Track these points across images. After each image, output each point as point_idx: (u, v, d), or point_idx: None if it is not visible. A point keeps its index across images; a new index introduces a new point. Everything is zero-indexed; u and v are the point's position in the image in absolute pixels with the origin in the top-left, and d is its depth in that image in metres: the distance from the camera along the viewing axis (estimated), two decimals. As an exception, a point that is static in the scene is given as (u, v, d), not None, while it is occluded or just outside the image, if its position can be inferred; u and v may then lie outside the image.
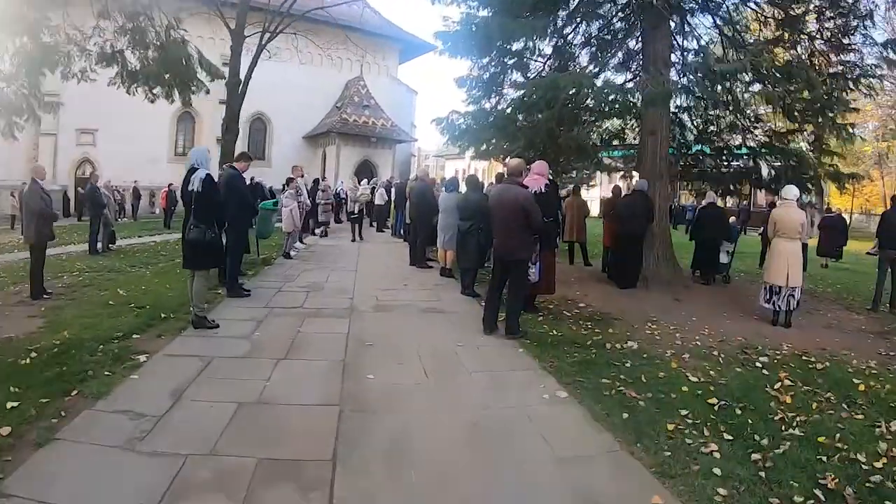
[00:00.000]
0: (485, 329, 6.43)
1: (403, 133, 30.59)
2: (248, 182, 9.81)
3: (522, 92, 9.96)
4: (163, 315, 6.67)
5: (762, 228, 15.35)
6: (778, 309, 7.74)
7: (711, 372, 5.40)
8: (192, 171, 6.32)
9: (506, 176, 6.73)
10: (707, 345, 6.44)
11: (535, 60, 11.15)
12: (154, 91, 10.17)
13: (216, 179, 6.50)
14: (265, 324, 6.60)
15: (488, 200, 6.38)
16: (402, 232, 15.83)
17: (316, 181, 16.68)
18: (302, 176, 13.19)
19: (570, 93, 8.85)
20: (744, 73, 9.69)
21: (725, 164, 12.84)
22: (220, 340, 5.91)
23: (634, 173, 12.96)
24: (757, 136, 12.23)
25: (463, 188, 10.04)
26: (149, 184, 27.11)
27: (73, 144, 28.11)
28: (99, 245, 13.78)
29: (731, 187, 12.58)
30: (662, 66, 10.07)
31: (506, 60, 11.31)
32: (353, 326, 6.55)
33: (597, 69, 11.76)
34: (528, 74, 11.66)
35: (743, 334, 7.00)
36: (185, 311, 6.65)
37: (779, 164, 11.62)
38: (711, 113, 13.06)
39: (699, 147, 13.05)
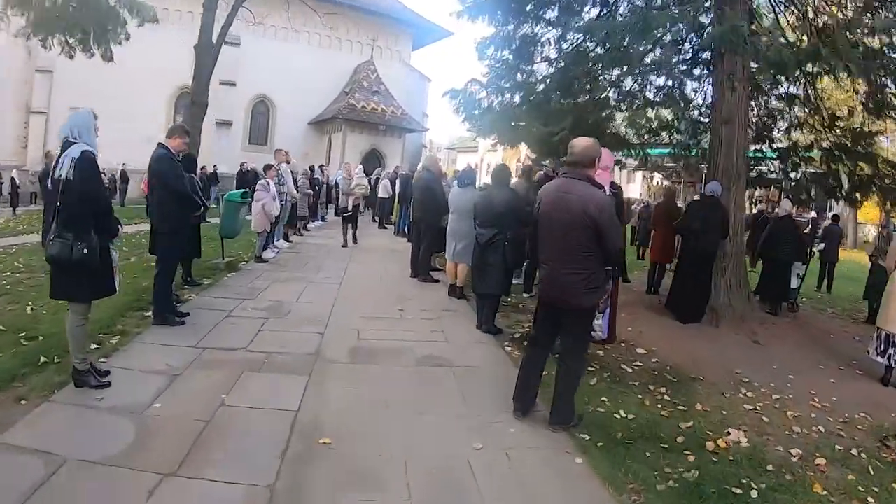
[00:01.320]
0: (516, 407, 3.96)
1: (414, 122, 28.01)
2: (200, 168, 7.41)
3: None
4: (44, 359, 4.28)
5: (821, 244, 13.12)
6: (893, 365, 5.63)
7: (869, 498, 3.29)
8: (66, 146, 3.91)
9: (564, 167, 4.09)
10: (832, 430, 4.38)
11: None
12: (70, 42, 7.64)
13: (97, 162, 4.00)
14: (179, 383, 4.15)
15: (537, 204, 3.83)
16: (405, 230, 13.36)
17: (311, 169, 14.21)
18: (288, 162, 10.71)
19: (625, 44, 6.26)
20: (821, 59, 7.21)
21: (792, 168, 10.27)
22: (96, 418, 3.52)
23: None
24: (823, 136, 9.71)
25: (481, 183, 7.51)
26: (143, 166, 24.71)
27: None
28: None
29: (809, 195, 10.00)
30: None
31: (537, 31, 8.80)
32: (310, 398, 4.06)
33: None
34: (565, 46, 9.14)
35: (860, 404, 4.98)
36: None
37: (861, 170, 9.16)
38: (774, 106, 10.58)
39: (756, 147, 10.53)
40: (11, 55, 25.41)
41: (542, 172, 7.60)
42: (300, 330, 5.62)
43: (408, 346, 5.34)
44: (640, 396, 4.60)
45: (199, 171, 19.44)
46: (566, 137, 7.25)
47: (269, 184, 8.95)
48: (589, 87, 9.14)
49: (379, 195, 15.84)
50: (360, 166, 11.33)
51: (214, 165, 22.58)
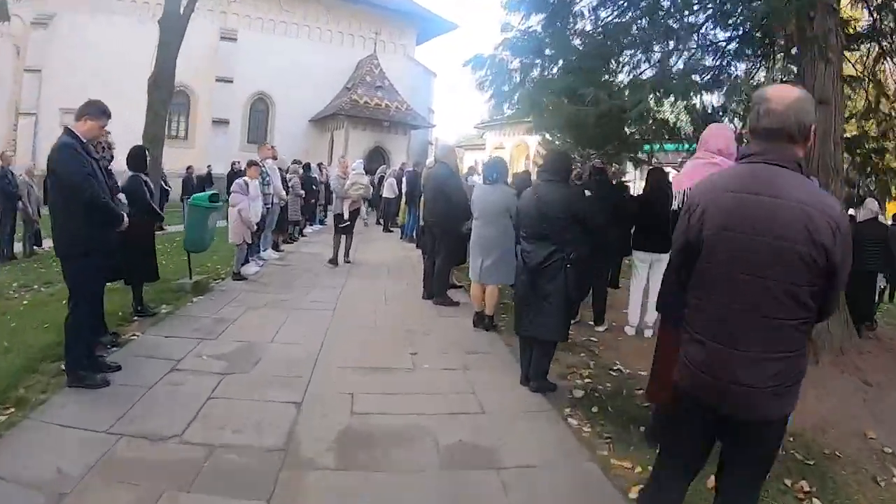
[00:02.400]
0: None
1: (420, 118, 26.06)
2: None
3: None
4: None
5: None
6: None
7: None
8: None
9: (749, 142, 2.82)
10: None
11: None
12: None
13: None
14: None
15: (691, 214, 1.90)
16: (414, 235, 11.48)
17: (307, 166, 12.35)
18: (274, 157, 8.83)
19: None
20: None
21: (862, 161, 8.33)
22: None
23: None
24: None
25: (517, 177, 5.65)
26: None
27: (56, 125, 23.83)
28: (19, 247, 10.12)
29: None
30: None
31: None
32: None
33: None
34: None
35: None
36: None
37: None
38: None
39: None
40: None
41: (592, 165, 5.70)
42: (268, 397, 3.74)
43: (426, 424, 3.45)
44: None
45: (187, 171, 17.81)
46: (605, 123, 5.42)
47: (246, 185, 7.07)
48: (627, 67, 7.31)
49: (384, 195, 13.96)
50: (360, 161, 8.98)
51: (209, 166, 20.76)
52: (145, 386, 3.83)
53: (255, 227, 7.25)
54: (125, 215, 3.98)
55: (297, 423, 3.37)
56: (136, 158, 5.73)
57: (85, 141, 3.82)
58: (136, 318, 5.50)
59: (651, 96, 4.65)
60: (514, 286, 4.20)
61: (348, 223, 8.30)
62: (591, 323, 6.00)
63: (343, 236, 8.60)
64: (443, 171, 6.27)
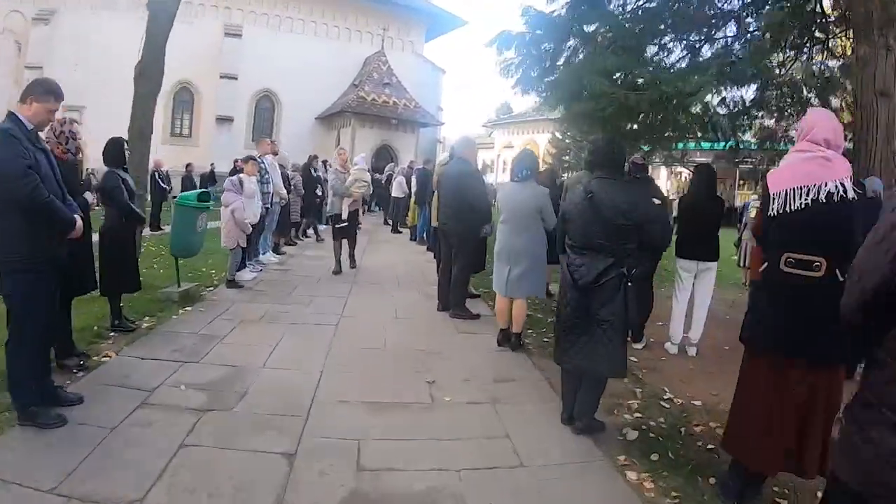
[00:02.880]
0: None
1: (428, 115, 25.29)
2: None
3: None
4: None
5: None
6: None
7: None
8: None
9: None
10: None
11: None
12: None
13: None
14: None
15: None
16: (425, 237, 10.72)
17: (309, 163, 11.59)
18: (274, 153, 8.09)
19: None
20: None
21: None
22: None
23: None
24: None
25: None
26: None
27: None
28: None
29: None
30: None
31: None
32: None
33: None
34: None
35: None
36: None
37: None
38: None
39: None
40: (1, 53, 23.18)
41: (632, 161, 4.90)
42: (253, 445, 2.98)
43: (452, 484, 2.69)
44: None
45: (186, 169, 17.00)
46: (658, 111, 4.66)
47: (240, 182, 6.33)
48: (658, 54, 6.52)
49: (392, 194, 13.20)
50: (362, 156, 8.02)
51: (212, 164, 20.08)
52: (108, 426, 3.09)
53: (251, 229, 6.50)
54: (78, 219, 3.22)
55: (289, 486, 2.61)
56: (113, 152, 4.99)
57: (30, 127, 3.06)
58: (113, 333, 4.79)
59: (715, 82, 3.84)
60: (556, 309, 3.41)
61: (346, 224, 7.20)
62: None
63: (344, 240, 7.51)
64: (461, 169, 5.47)
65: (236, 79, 23.82)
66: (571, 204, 3.17)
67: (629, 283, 2.96)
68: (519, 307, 4.56)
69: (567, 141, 29.35)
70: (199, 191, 6.10)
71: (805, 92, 7.78)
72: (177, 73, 24.27)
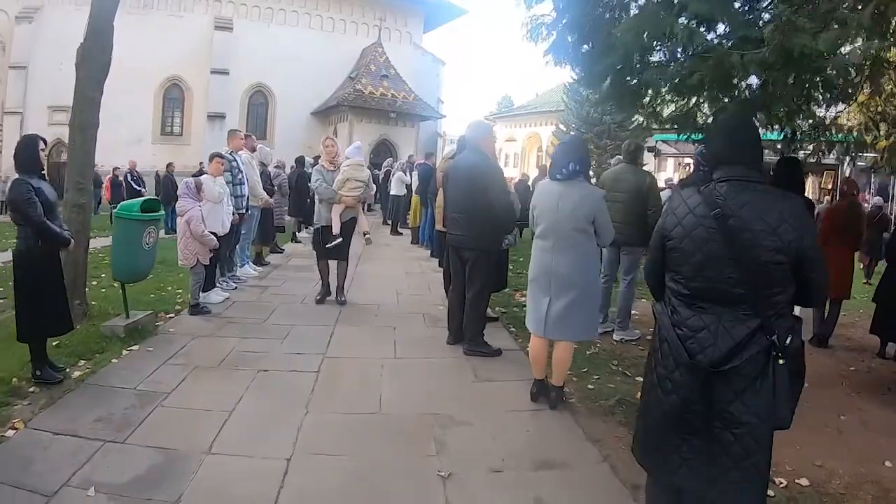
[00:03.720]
0: None
1: (429, 108, 23.90)
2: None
3: None
4: None
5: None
6: None
7: None
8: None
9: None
10: None
11: None
12: None
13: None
14: None
15: None
16: (428, 241, 9.43)
17: (300, 160, 10.35)
18: (252, 149, 6.80)
19: None
20: None
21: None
22: None
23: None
24: None
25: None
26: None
27: (44, 124, 22.06)
28: None
29: None
30: None
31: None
32: None
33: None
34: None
35: None
36: None
37: None
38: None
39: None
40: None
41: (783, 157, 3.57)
42: None
43: None
44: None
45: (167, 169, 15.49)
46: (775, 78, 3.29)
47: (197, 186, 5.03)
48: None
49: (392, 192, 11.89)
50: (357, 146, 5.83)
51: (200, 163, 18.73)
52: None
53: (216, 243, 5.20)
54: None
55: None
56: (25, 154, 3.73)
57: None
58: (33, 389, 3.56)
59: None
60: (643, 388, 2.11)
61: (340, 241, 5.26)
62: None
63: (334, 262, 5.61)
64: (475, 161, 4.13)
65: (228, 74, 22.48)
66: (676, 222, 1.87)
67: (782, 361, 1.67)
68: (563, 352, 3.26)
69: (572, 134, 27.94)
70: (145, 198, 4.80)
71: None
72: (166, 70, 22.98)
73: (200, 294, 5.32)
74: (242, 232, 6.79)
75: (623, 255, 4.99)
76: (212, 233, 5.17)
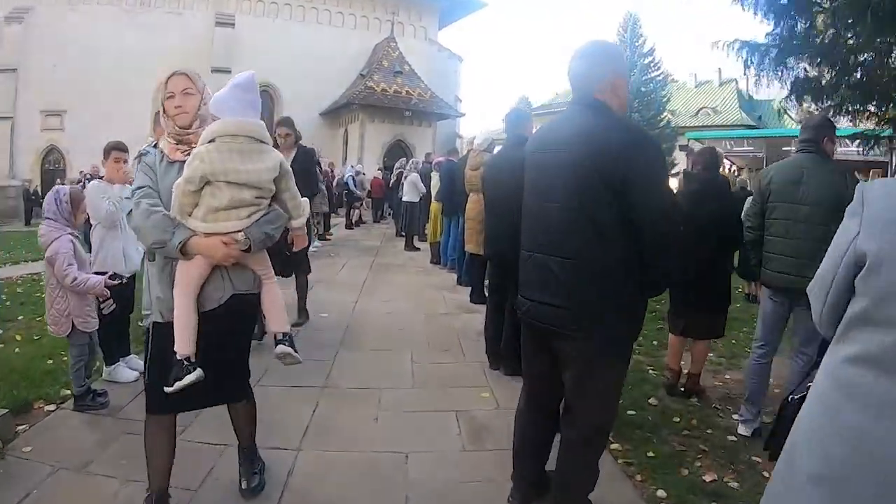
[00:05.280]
0: None
1: (446, 106, 21.71)
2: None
3: None
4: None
5: None
6: None
7: None
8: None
9: None
10: None
11: None
12: None
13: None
14: None
15: None
16: (452, 261, 7.20)
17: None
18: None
19: None
20: None
21: None
22: None
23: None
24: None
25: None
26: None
27: (36, 130, 20.46)
28: None
29: None
30: None
31: None
32: None
33: None
34: None
35: None
36: None
37: None
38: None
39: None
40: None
41: None
42: None
43: None
44: None
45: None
46: None
47: (71, 202, 2.84)
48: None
49: (404, 198, 9.66)
50: (247, 77, 1.96)
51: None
52: None
53: (109, 297, 3.01)
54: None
55: None
56: None
57: None
58: None
59: None
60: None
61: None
62: None
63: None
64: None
65: (230, 72, 20.46)
66: None
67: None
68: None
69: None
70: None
71: None
72: (164, 69, 20.91)
73: (106, 371, 3.13)
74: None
75: (800, 312, 2.72)
76: (110, 276, 2.99)
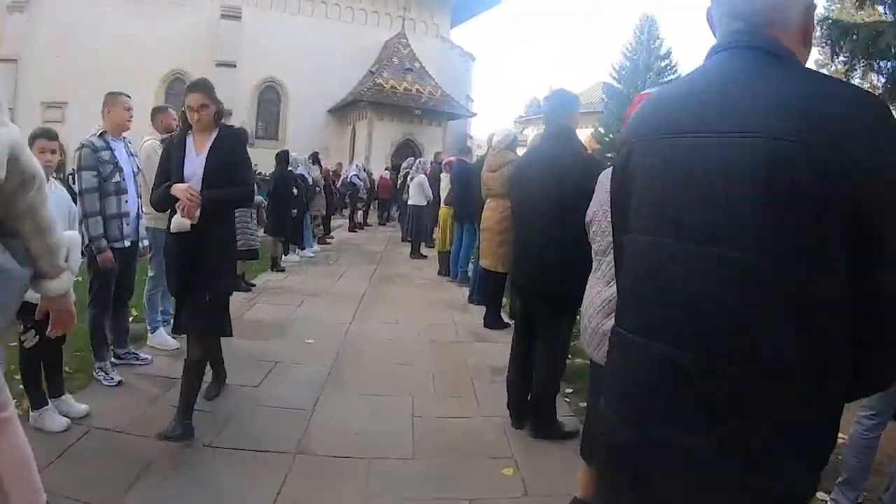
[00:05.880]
0: None
1: (457, 105, 20.88)
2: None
3: None
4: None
5: None
6: None
7: None
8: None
9: None
10: None
11: None
12: None
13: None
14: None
15: None
16: (463, 273, 6.40)
17: (283, 155, 7.48)
18: (169, 130, 3.88)
19: None
20: None
21: None
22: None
23: None
24: None
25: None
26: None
27: (37, 122, 19.69)
28: None
29: None
30: None
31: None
32: None
33: None
34: None
35: None
36: None
37: None
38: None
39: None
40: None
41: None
42: None
43: None
44: None
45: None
46: None
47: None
48: None
49: (410, 202, 8.85)
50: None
51: None
52: None
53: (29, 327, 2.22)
54: None
55: None
56: None
57: None
58: None
59: None
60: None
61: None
62: None
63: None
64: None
65: (235, 66, 19.83)
66: None
67: None
68: None
69: (610, 136, 24.60)
70: None
71: None
72: (168, 62, 20.28)
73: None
74: (150, 274, 3.86)
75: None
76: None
